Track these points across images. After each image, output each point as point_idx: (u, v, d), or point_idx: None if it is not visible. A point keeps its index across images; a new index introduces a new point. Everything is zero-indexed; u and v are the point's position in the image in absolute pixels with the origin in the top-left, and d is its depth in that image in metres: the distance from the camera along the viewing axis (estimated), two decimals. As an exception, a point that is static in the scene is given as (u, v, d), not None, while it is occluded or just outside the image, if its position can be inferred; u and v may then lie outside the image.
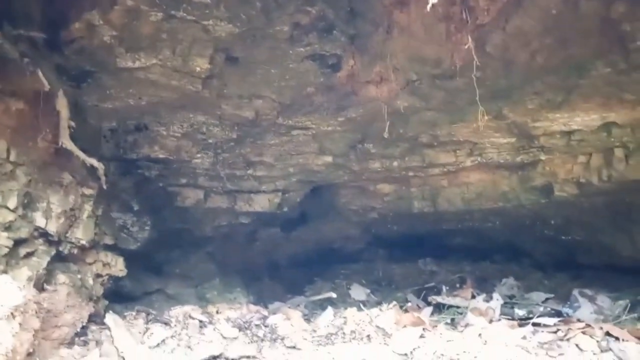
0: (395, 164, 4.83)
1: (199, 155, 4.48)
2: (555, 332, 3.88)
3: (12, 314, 2.22)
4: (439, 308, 5.16)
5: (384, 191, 5.35)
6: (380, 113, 4.24)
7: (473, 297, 5.15)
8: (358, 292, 5.62)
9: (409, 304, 5.26)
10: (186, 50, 3.43)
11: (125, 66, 3.40)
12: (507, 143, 4.39)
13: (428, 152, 4.72)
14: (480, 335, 3.76)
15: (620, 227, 5.03)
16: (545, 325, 3.95)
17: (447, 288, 5.49)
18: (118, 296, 4.49)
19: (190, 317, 3.90)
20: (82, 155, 3.11)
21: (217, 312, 4.24)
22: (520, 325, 3.98)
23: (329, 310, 4.31)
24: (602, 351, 3.65)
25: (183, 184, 4.72)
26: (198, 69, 3.56)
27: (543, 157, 4.39)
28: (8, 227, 2.75)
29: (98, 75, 3.48)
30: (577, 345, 3.72)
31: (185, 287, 5.17)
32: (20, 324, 2.29)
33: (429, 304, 5.18)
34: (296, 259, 6.38)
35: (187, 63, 3.49)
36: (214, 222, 5.18)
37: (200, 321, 3.86)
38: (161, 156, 4.27)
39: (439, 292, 5.37)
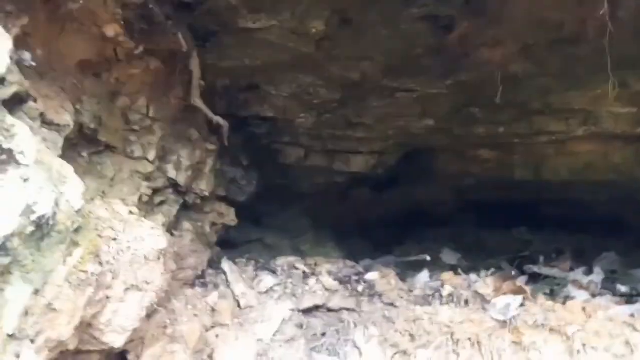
0: (501, 129, 4.70)
1: (302, 115, 4.60)
2: (668, 313, 3.75)
3: (159, 256, 2.49)
4: (533, 278, 5.09)
5: (485, 157, 5.24)
6: (491, 77, 4.11)
7: (571, 269, 5.03)
8: (449, 256, 5.65)
9: (504, 272, 5.24)
10: (305, 13, 3.48)
11: (246, 26, 3.52)
12: (628, 113, 4.14)
13: (537, 119, 4.54)
14: (584, 308, 3.70)
15: None
16: (653, 305, 3.82)
17: (544, 258, 5.38)
18: (224, 243, 4.84)
19: (295, 267, 4.14)
20: (210, 113, 3.33)
21: (315, 265, 4.46)
22: (628, 302, 3.87)
23: (425, 271, 4.40)
24: None
25: (286, 142, 4.90)
26: (314, 30, 3.61)
27: (664, 130, 4.10)
28: (148, 178, 3.04)
29: (220, 35, 3.63)
30: (690, 327, 3.57)
31: (282, 239, 5.45)
32: (164, 265, 2.56)
33: (523, 273, 5.12)
34: (386, 219, 6.47)
35: (305, 25, 3.56)
36: (311, 179, 5.36)
37: (304, 272, 4.08)
38: (269, 115, 4.44)
39: (534, 262, 5.29)
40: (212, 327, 3.30)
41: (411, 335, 3.80)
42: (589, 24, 3.28)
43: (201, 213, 3.78)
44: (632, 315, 3.65)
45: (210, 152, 3.63)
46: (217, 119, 3.45)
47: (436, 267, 5.25)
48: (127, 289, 2.22)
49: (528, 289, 3.99)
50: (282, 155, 4.97)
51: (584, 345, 3.51)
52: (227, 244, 4.89)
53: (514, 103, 4.40)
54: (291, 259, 4.28)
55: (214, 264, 3.91)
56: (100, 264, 2.07)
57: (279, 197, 5.48)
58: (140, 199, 2.92)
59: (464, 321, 3.81)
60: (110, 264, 2.15)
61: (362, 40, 3.97)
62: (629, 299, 4.01)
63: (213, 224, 3.95)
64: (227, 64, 3.97)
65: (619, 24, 3.42)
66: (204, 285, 3.62)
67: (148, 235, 2.47)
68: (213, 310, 3.36)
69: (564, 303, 3.83)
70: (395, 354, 3.76)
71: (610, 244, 5.87)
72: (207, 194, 3.64)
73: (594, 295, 4.17)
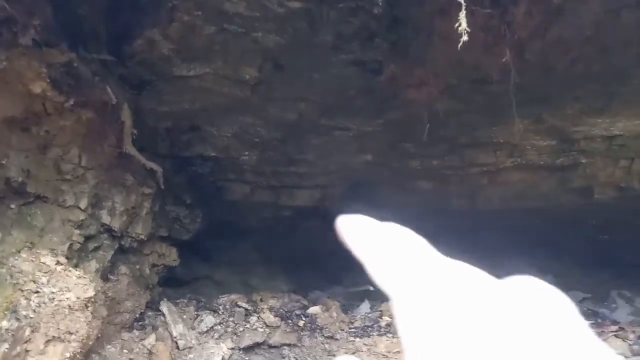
0: (434, 162, 4.94)
1: (246, 153, 4.75)
2: (587, 334, 3.97)
3: (85, 305, 2.54)
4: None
5: (423, 187, 5.47)
6: (420, 115, 4.37)
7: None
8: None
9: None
10: (237, 60, 3.66)
11: (181, 74, 3.67)
12: (547, 145, 4.43)
13: (467, 152, 4.80)
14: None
15: (663, 230, 4.99)
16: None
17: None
18: (170, 281, 4.87)
19: (237, 305, 4.21)
20: (143, 159, 3.42)
21: (260, 300, 4.54)
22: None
23: (366, 303, 4.54)
24: (633, 355, 3.72)
25: (231, 179, 5.01)
26: (247, 76, 3.79)
27: (583, 160, 4.40)
28: (80, 225, 3.10)
29: (156, 83, 3.77)
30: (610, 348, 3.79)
31: (231, 274, 5.51)
32: (91, 313, 2.61)
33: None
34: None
35: (238, 71, 3.73)
36: (259, 214, 5.47)
37: (246, 309, 4.16)
38: (212, 154, 4.57)
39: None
40: (149, 370, 3.33)
41: (351, 367, 3.92)
42: (500, 66, 3.54)
43: (140, 255, 3.83)
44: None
45: (146, 196, 3.71)
46: (151, 165, 3.55)
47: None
48: (48, 341, 2.27)
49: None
50: (228, 192, 5.08)
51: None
52: (173, 282, 4.93)
53: (444, 138, 4.65)
54: (234, 296, 4.35)
55: (154, 305, 3.94)
56: (18, 319, 2.12)
57: (227, 233, 5.56)
58: (71, 247, 2.97)
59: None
60: (30, 318, 2.20)
61: (296, 83, 4.16)
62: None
63: (153, 265, 4.00)
64: (166, 108, 4.10)
65: (528, 65, 3.73)
66: (143, 327, 3.65)
67: (74, 285, 2.53)
68: (150, 353, 3.40)
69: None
70: (336, 386, 3.86)
71: (549, 267, 6.14)
72: (144, 237, 3.71)
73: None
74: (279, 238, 6.02)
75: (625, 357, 3.71)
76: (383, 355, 3.95)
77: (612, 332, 3.94)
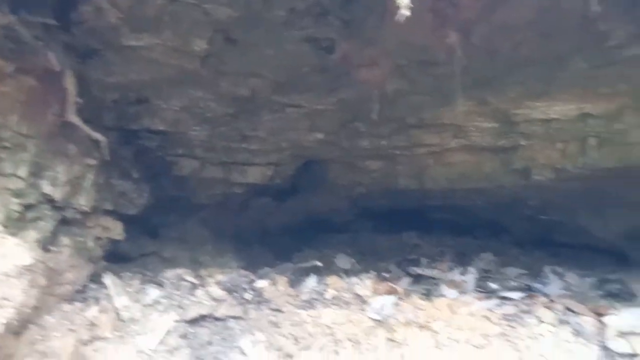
0: (383, 142, 5.05)
1: (196, 128, 4.70)
2: (520, 305, 4.22)
3: (22, 272, 2.50)
4: (417, 279, 5.50)
5: (372, 167, 5.59)
6: (370, 94, 4.45)
7: (451, 269, 5.48)
8: (343, 261, 5.93)
9: (390, 274, 5.60)
10: (187, 32, 3.61)
11: (129, 45, 3.58)
12: (490, 128, 4.61)
13: (415, 133, 4.93)
14: (449, 305, 4.08)
15: (594, 210, 5.32)
16: (511, 299, 4.27)
17: (428, 260, 5.82)
18: (116, 257, 4.79)
19: (183, 279, 4.21)
20: (86, 129, 3.34)
21: (208, 275, 4.55)
22: (488, 298, 4.31)
23: (313, 277, 4.62)
24: (560, 323, 3.98)
25: (180, 154, 4.96)
26: (197, 48, 3.75)
27: (523, 143, 4.61)
28: (18, 194, 3.01)
29: (103, 52, 3.67)
30: (538, 317, 4.04)
31: (180, 251, 5.47)
32: (29, 282, 2.57)
33: (408, 274, 5.51)
34: (286, 228, 6.67)
35: (187, 43, 3.68)
36: (209, 190, 5.44)
37: (192, 283, 4.16)
38: (161, 128, 4.50)
39: (419, 264, 5.71)
40: (91, 341, 3.30)
41: (295, 339, 4.00)
42: (446, 47, 3.65)
43: (83, 228, 3.76)
44: (490, 310, 4.08)
45: (90, 167, 3.63)
46: (95, 135, 3.48)
47: (330, 272, 5.50)
48: (-18, 307, 2.22)
49: (401, 289, 4.32)
50: (177, 167, 5.02)
51: (448, 338, 3.88)
52: (119, 258, 4.86)
53: (392, 118, 4.76)
54: (180, 270, 4.34)
55: (98, 278, 3.89)
56: (-51, 284, 2.07)
57: (176, 208, 5.51)
58: (8, 215, 2.89)
59: (344, 322, 4.07)
60: (-38, 284, 2.15)
61: (248, 58, 4.14)
62: (490, 294, 4.45)
63: (97, 238, 3.94)
64: (114, 79, 3.99)
65: (473, 48, 3.86)
66: (85, 299, 3.60)
67: (11, 252, 2.47)
68: (92, 324, 3.37)
69: (432, 301, 4.19)
70: (280, 357, 3.93)
71: (489, 246, 6.45)
72: (87, 208, 3.64)
73: (463, 293, 4.59)
74: (229, 215, 6.02)
75: (553, 325, 3.97)
76: (327, 326, 4.05)
77: (541, 303, 4.19)
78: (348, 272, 5.49)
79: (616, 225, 5.25)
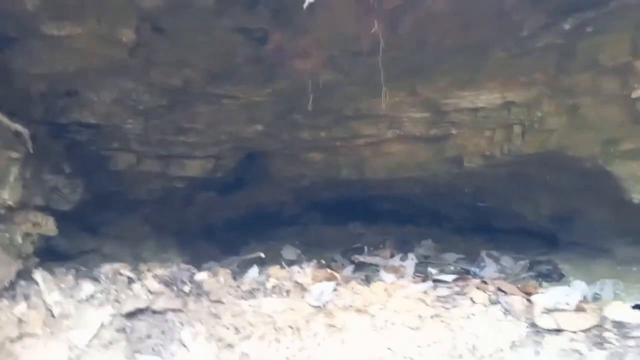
0: (322, 134, 5.12)
1: (130, 121, 4.62)
2: (453, 288, 4.39)
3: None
4: (361, 266, 5.62)
5: (315, 159, 5.66)
6: (306, 85, 4.50)
7: (392, 256, 5.63)
8: (289, 252, 5.99)
9: (335, 263, 5.71)
10: (112, 20, 3.54)
11: (51, 34, 3.49)
12: (422, 118, 4.75)
13: (352, 124, 5.02)
14: (385, 289, 4.20)
15: (524, 196, 5.58)
16: (445, 281, 4.44)
17: (371, 248, 5.96)
18: (54, 255, 4.66)
19: (119, 273, 4.14)
20: (5, 120, 3.24)
21: (147, 270, 4.50)
22: (424, 281, 4.46)
23: (254, 268, 4.65)
24: (491, 303, 4.16)
25: (115, 148, 4.86)
26: (124, 38, 3.68)
27: (454, 131, 4.78)
28: None
29: (25, 41, 3.55)
30: (471, 298, 4.22)
31: (121, 247, 5.38)
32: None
33: (352, 262, 5.64)
34: (232, 221, 6.67)
35: (113, 32, 3.61)
36: (147, 185, 5.36)
37: (129, 277, 4.11)
38: (92, 121, 4.39)
39: (362, 253, 5.84)
40: (19, 337, 3.21)
41: (236, 329, 4.02)
42: (369, 37, 3.73)
43: (10, 223, 3.64)
44: (424, 292, 4.22)
45: (14, 160, 3.52)
46: (15, 126, 3.37)
47: (278, 263, 5.53)
48: None
49: (339, 275, 4.42)
50: (112, 161, 4.92)
51: (385, 321, 3.99)
52: (56, 256, 4.72)
53: (329, 109, 4.84)
54: (116, 265, 4.26)
55: (29, 275, 3.78)
56: None
57: (115, 205, 5.40)
58: None
59: (285, 310, 4.12)
60: None
61: (179, 47, 4.10)
62: (425, 278, 4.61)
63: (27, 234, 3.82)
64: (38, 69, 3.87)
65: (401, 38, 3.97)
66: (13, 297, 3.49)
67: None
68: (20, 321, 3.27)
69: (369, 286, 4.30)
70: (221, 347, 3.95)
71: (430, 233, 6.67)
72: (12, 203, 3.53)
73: (401, 278, 4.73)
74: (172, 210, 5.95)
75: (484, 305, 4.15)
76: (268, 315, 4.09)
77: (474, 285, 4.37)
78: (294, 263, 5.55)
79: (545, 210, 5.53)
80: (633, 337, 3.68)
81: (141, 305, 3.85)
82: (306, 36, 4.15)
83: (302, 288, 4.29)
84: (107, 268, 4.17)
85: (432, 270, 5.33)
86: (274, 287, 4.35)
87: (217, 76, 4.43)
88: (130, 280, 4.10)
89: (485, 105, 4.41)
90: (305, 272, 4.37)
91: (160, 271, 4.51)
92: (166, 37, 3.93)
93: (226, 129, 5.01)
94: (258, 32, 4.17)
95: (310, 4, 3.95)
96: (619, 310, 3.92)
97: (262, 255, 5.26)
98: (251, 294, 4.32)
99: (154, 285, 4.05)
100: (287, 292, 4.28)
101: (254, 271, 4.60)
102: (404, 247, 6.15)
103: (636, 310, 3.90)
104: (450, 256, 5.79)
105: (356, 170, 5.62)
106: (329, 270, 4.45)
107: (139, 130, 4.71)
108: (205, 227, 6.46)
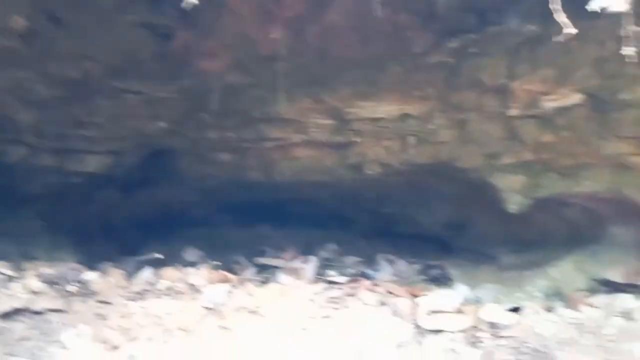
0: (230, 134, 5.11)
1: (23, 112, 4.37)
2: (345, 289, 4.54)
3: None
4: (263, 269, 5.67)
5: (223, 159, 5.62)
6: (214, 85, 4.50)
7: (294, 259, 5.73)
8: (191, 254, 5.91)
9: (238, 265, 5.71)
10: (2, 6, 3.37)
11: None
12: (327, 124, 4.89)
13: (261, 126, 5.07)
14: (279, 290, 4.28)
15: (421, 203, 5.90)
16: (337, 283, 4.59)
17: (275, 251, 6.03)
18: None
19: (-1, 272, 3.91)
20: None
21: (31, 269, 4.27)
22: (317, 283, 4.58)
23: (147, 269, 4.56)
24: (380, 305, 4.35)
25: (7, 139, 4.58)
26: (15, 25, 3.51)
27: (356, 139, 4.96)
28: None
29: None
30: (361, 300, 4.39)
31: (8, 245, 5.04)
32: None
33: (255, 265, 5.67)
34: (135, 221, 6.47)
35: (3, 19, 3.43)
36: (42, 180, 5.09)
37: (7, 276, 3.89)
38: (-22, 109, 4.13)
39: (265, 255, 5.89)
40: None
41: (123, 330, 3.92)
42: (269, 44, 3.81)
43: None
44: (316, 293, 4.35)
45: None
46: None
47: (176, 265, 5.44)
48: None
49: (235, 277, 4.44)
50: (3, 154, 4.63)
51: (276, 322, 4.06)
52: None
53: (237, 111, 4.86)
54: (-5, 263, 4.02)
55: None
56: None
57: (5, 200, 5.06)
58: None
59: (176, 312, 4.07)
60: None
61: (78, 40, 3.96)
62: (318, 279, 4.74)
63: None
64: None
65: (306, 46, 4.08)
66: None
67: None
68: None
69: (263, 287, 4.36)
70: (106, 349, 3.82)
71: (336, 237, 6.84)
72: None
73: (299, 279, 4.83)
74: (69, 207, 5.68)
75: (374, 306, 4.33)
76: (157, 316, 4.03)
77: (365, 287, 4.56)
78: (194, 265, 5.48)
79: (439, 217, 5.88)
80: (503, 337, 3.99)
81: (19, 305, 3.65)
82: (213, 37, 4.15)
83: (195, 290, 4.27)
84: (-18, 266, 3.92)
85: (331, 273, 5.47)
86: (166, 288, 4.30)
87: (119, 70, 4.30)
88: (8, 279, 3.88)
89: (384, 116, 4.62)
90: (199, 274, 4.35)
91: (46, 270, 4.30)
92: (64, 29, 3.78)
93: (128, 125, 4.87)
94: (163, 29, 4.12)
95: (216, 7, 4.00)
96: (493, 312, 4.23)
97: (160, 256, 5.16)
98: (141, 295, 4.24)
99: (36, 284, 3.86)
100: (180, 293, 4.24)
101: (146, 272, 4.51)
102: (309, 251, 6.26)
103: (509, 313, 4.25)
104: (350, 259, 5.98)
105: (264, 172, 5.65)
106: (223, 272, 4.45)
107: (32, 122, 4.47)
108: (105, 226, 6.21)
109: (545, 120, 4.12)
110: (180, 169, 5.86)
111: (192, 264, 5.46)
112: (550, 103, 3.93)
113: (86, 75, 4.25)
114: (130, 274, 4.72)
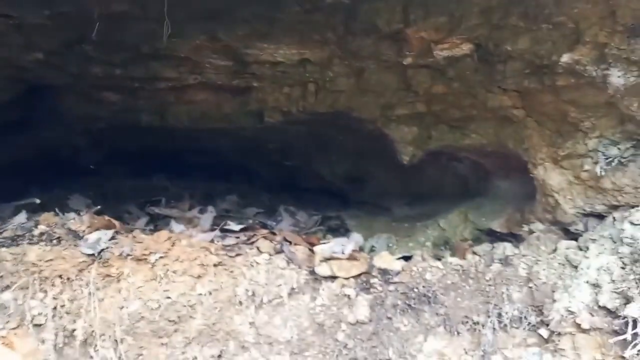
0: (117, 71, 4.70)
1: None
2: (241, 237, 4.45)
3: None
4: (159, 219, 5.41)
5: (111, 99, 5.20)
6: (96, 12, 4.05)
7: (191, 209, 5.53)
8: (77, 202, 5.50)
9: (129, 215, 5.41)
10: None
11: None
12: (225, 66, 4.62)
13: (152, 64, 4.70)
14: (169, 238, 4.08)
15: (323, 156, 5.90)
16: (233, 231, 4.49)
17: (171, 201, 5.77)
18: None
19: None
20: None
21: None
22: (211, 231, 4.45)
23: (23, 213, 4.16)
24: (276, 252, 4.31)
25: None
26: None
27: (256, 84, 4.76)
28: None
29: None
30: (257, 247, 4.32)
31: None
32: None
33: (148, 214, 5.39)
34: (14, 166, 5.86)
35: None
36: None
37: None
38: None
39: (160, 205, 5.62)
40: None
41: (-8, 278, 3.56)
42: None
43: None
44: (211, 241, 4.21)
45: None
46: None
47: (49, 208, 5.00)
48: None
49: (118, 223, 4.18)
50: None
51: (166, 270, 3.88)
52: None
53: (125, 45, 4.44)
54: None
55: None
56: None
57: None
58: None
59: (54, 259, 3.76)
60: None
61: None
62: (213, 228, 4.61)
63: None
64: None
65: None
66: None
67: None
68: None
69: (152, 234, 4.14)
70: (-29, 298, 3.46)
71: (238, 189, 6.70)
72: None
73: (192, 229, 4.66)
74: None
75: (270, 254, 4.27)
76: (33, 263, 3.71)
77: (262, 235, 4.49)
78: (80, 213, 5.09)
79: (340, 170, 5.92)
80: (393, 283, 4.14)
81: None
82: (92, -45, 3.72)
83: (76, 236, 3.96)
84: None
85: (230, 224, 5.34)
86: (42, 234, 3.94)
87: (-19, -13, 3.75)
88: None
89: (283, 60, 4.44)
90: (81, 220, 4.03)
91: None
92: None
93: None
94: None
95: None
96: (385, 259, 4.36)
97: (37, 201, 4.73)
98: (14, 240, 3.86)
99: None
100: (58, 239, 3.91)
101: (20, 217, 4.11)
102: (209, 202, 6.07)
103: (401, 261, 4.40)
104: (251, 210, 5.89)
105: (157, 116, 5.31)
106: (107, 217, 4.17)
107: None
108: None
109: (437, 71, 4.19)
110: (63, 108, 5.35)
111: (77, 212, 5.08)
112: (442, 52, 3.98)
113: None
114: (6, 220, 4.28)
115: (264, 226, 5.46)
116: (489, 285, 4.02)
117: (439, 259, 4.45)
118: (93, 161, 6.51)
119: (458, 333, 3.82)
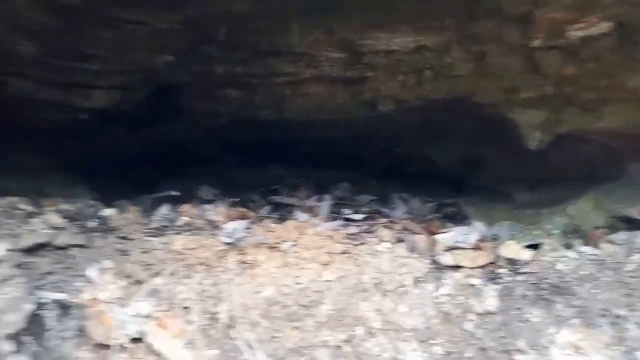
0: (238, 69, 4.94)
1: (25, 43, 4.21)
2: (362, 226, 4.55)
3: None
4: (278, 207, 5.66)
5: (232, 96, 5.48)
6: (220, 15, 4.29)
7: (308, 197, 5.71)
8: (206, 192, 5.88)
9: (253, 204, 5.71)
10: None
11: None
12: (339, 58, 4.69)
13: (270, 61, 4.88)
14: (298, 227, 4.28)
15: (435, 141, 5.80)
16: (354, 220, 4.60)
17: (289, 190, 6.00)
18: None
19: (16, 207, 3.90)
20: None
21: (50, 205, 4.27)
22: (334, 220, 4.59)
23: (165, 205, 4.56)
24: (397, 241, 4.38)
25: (10, 72, 4.43)
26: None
27: (369, 74, 4.78)
28: None
29: None
30: (378, 236, 4.42)
31: (18, 182, 5.01)
32: None
33: (269, 203, 5.66)
34: (144, 159, 6.40)
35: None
36: (50, 115, 4.98)
37: (27, 212, 3.89)
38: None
39: (279, 194, 5.87)
40: None
41: (146, 265, 3.96)
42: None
43: None
44: (334, 230, 4.36)
45: None
46: None
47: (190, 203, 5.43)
48: None
49: (254, 214, 4.44)
50: (6, 87, 4.50)
51: (296, 257, 4.09)
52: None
53: (245, 43, 4.65)
54: (13, 199, 4.01)
55: None
56: None
57: (11, 135, 4.98)
58: None
59: (196, 247, 4.11)
60: None
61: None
62: (336, 216, 4.74)
63: None
64: None
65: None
66: None
67: None
68: None
69: (282, 224, 4.36)
70: (130, 284, 3.88)
71: (348, 177, 6.79)
72: None
73: (314, 217, 4.83)
74: (79, 143, 5.61)
75: (391, 243, 4.34)
76: (178, 252, 4.06)
77: (382, 224, 4.57)
78: (210, 203, 5.46)
79: (454, 155, 5.79)
80: (522, 273, 4.04)
81: (41, 240, 3.67)
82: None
83: (214, 226, 4.28)
84: (0, 202, 3.91)
85: (346, 211, 5.47)
86: (185, 224, 4.31)
87: (122, -1, 4.09)
88: (29, 215, 3.88)
89: (398, 49, 4.42)
90: (218, 211, 4.34)
91: (64, 206, 4.31)
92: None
93: (134, 58, 4.69)
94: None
95: None
96: (512, 249, 4.26)
97: (176, 193, 5.14)
98: (160, 231, 4.26)
99: (56, 219, 3.87)
100: (199, 229, 4.26)
101: (164, 208, 4.51)
102: (322, 190, 6.23)
103: (527, 249, 4.27)
104: (364, 198, 5.95)
105: (275, 110, 5.51)
106: (242, 209, 4.45)
107: (34, 54, 4.30)
108: (115, 163, 6.15)
109: (569, 52, 3.95)
110: (187, 105, 5.72)
111: (209, 202, 5.46)
112: (575, 32, 3.75)
113: (87, 2, 4.04)
114: (146, 211, 4.72)
115: (380, 214, 5.52)
116: (630, 277, 3.79)
117: (570, 248, 4.26)
118: (212, 153, 6.93)
119: (596, 326, 3.65)
